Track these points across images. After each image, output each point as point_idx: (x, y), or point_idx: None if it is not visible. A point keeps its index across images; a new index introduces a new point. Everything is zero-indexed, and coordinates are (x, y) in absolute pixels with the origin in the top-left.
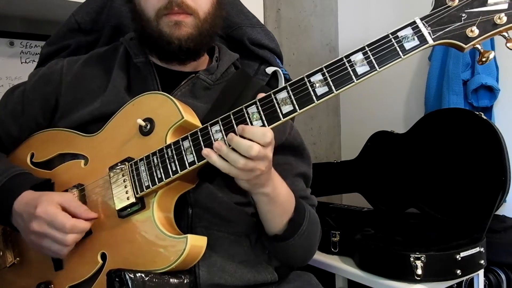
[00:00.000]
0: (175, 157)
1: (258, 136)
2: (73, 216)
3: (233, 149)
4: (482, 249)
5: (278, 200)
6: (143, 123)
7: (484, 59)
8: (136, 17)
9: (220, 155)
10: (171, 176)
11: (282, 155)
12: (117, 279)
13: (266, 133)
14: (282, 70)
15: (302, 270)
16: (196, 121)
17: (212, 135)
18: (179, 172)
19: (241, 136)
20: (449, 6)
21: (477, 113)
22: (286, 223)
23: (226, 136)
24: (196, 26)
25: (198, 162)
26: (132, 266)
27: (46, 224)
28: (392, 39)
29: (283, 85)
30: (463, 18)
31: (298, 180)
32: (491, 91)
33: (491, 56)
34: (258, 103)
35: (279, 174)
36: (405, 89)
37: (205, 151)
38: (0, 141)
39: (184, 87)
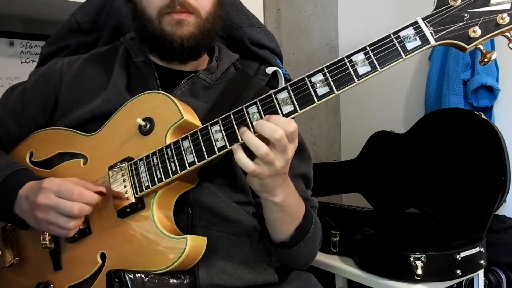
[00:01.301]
0: (175, 157)
1: (282, 123)
2: None
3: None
4: (482, 249)
5: (288, 209)
6: (142, 123)
7: (486, 60)
8: (137, 16)
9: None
10: (171, 176)
11: None
12: (116, 280)
13: (291, 122)
14: (282, 70)
15: (302, 270)
16: (196, 121)
17: (212, 135)
18: (179, 172)
19: None
20: (451, 6)
21: (477, 113)
22: (293, 231)
23: (227, 137)
24: (198, 25)
25: (198, 162)
26: (132, 266)
27: (53, 194)
28: (394, 39)
29: (283, 85)
30: (465, 18)
31: (298, 181)
32: (491, 91)
33: (493, 56)
34: (258, 103)
35: None
36: (405, 89)
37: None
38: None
39: (184, 86)
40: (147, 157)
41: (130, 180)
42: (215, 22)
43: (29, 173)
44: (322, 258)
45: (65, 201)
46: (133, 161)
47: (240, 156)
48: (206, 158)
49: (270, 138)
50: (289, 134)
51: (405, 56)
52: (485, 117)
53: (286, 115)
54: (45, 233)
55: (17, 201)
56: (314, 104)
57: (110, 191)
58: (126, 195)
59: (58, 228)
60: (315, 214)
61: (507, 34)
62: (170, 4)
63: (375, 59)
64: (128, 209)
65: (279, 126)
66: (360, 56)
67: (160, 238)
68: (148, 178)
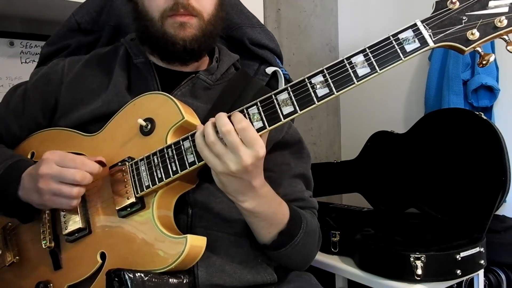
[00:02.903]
0: (175, 157)
1: (235, 118)
2: None
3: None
4: (482, 249)
5: (262, 216)
6: (143, 123)
7: (484, 62)
8: (139, 17)
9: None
10: (171, 176)
11: (280, 153)
12: (116, 279)
13: (243, 120)
14: (282, 70)
15: (300, 270)
16: (197, 121)
17: None
18: (179, 172)
19: None
20: (450, 9)
21: (477, 113)
22: (275, 235)
23: None
24: (200, 27)
25: (198, 163)
26: (132, 266)
27: (55, 163)
28: (393, 41)
29: (283, 85)
30: (463, 21)
31: (296, 181)
32: (491, 91)
33: (492, 59)
34: (259, 104)
35: (277, 175)
36: (405, 89)
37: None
38: (1, 138)
39: (184, 87)
40: (147, 157)
41: (131, 179)
42: (217, 24)
43: (31, 162)
44: (322, 258)
45: (67, 169)
46: (134, 161)
47: (197, 135)
48: None
49: (219, 131)
50: (238, 130)
51: (404, 58)
52: (485, 117)
53: (286, 116)
54: (45, 232)
55: (21, 184)
56: (314, 105)
57: (110, 191)
58: (126, 195)
59: (61, 198)
60: (310, 218)
61: (505, 36)
62: (174, 6)
63: (375, 60)
64: (129, 209)
65: (232, 120)
66: (360, 58)
67: (160, 237)
68: (149, 178)
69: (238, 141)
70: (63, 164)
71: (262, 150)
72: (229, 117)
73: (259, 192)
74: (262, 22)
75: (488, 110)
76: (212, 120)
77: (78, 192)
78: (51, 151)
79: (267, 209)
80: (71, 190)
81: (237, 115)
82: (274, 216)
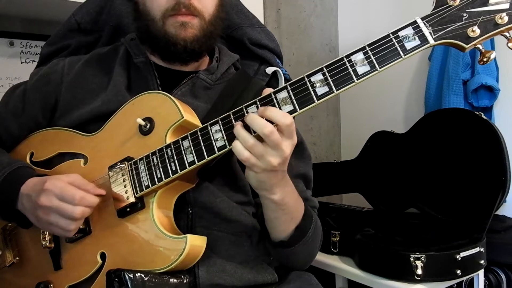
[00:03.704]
0: (174, 157)
1: (277, 116)
2: None
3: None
4: (482, 249)
5: (286, 208)
6: (142, 123)
7: (485, 59)
8: (140, 17)
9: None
10: (171, 176)
11: None
12: (116, 279)
13: (286, 116)
14: (282, 70)
15: (301, 270)
16: (196, 121)
17: (212, 135)
18: (179, 172)
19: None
20: (450, 6)
21: (477, 113)
22: (292, 230)
23: (226, 137)
24: (201, 27)
25: (197, 162)
26: (132, 266)
27: (55, 196)
28: (393, 39)
29: (283, 85)
30: (464, 18)
31: (297, 181)
32: (491, 91)
33: (492, 56)
34: (258, 102)
35: None
36: (405, 89)
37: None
38: (0, 139)
39: (184, 87)
40: (147, 156)
41: (130, 180)
42: (217, 24)
43: (30, 170)
44: (322, 258)
45: (67, 204)
46: (133, 160)
47: (236, 144)
48: (206, 157)
49: (260, 133)
50: (284, 127)
51: (404, 55)
52: (485, 117)
53: None
54: (45, 232)
55: (19, 198)
56: (314, 104)
57: (110, 191)
58: (126, 195)
59: (59, 229)
60: (315, 214)
61: (506, 33)
62: (175, 6)
63: (374, 58)
64: (128, 209)
65: (274, 119)
66: (359, 56)
67: (160, 237)
68: (148, 177)
69: (280, 137)
70: (63, 199)
71: (296, 137)
72: (235, 113)
73: (286, 180)
74: (262, 22)
75: (488, 110)
76: (238, 124)
77: (76, 227)
78: (52, 182)
79: (291, 200)
80: (69, 225)
81: (273, 109)
82: (296, 209)
